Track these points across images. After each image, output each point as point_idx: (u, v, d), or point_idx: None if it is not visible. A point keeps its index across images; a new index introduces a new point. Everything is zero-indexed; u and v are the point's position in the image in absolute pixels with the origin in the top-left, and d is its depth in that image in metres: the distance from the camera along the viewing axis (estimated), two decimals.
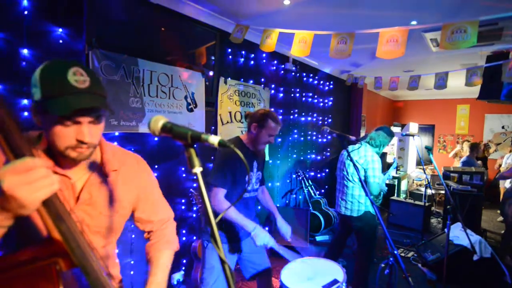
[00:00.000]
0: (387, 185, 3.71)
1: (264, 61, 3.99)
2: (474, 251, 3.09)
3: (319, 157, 5.48)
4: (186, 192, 2.93)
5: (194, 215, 2.98)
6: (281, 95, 4.38)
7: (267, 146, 1.96)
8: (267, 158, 4.12)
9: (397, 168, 6.57)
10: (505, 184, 5.76)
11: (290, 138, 4.66)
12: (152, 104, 2.61)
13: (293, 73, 4.53)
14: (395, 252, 1.55)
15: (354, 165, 1.73)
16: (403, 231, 4.83)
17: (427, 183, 4.34)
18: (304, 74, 4.88)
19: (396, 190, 6.18)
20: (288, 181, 4.71)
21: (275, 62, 4.19)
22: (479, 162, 5.61)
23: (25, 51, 1.85)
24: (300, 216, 3.93)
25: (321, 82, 5.42)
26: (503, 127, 7.78)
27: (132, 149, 1.64)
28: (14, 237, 0.82)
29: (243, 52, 3.64)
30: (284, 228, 2.00)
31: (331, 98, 5.75)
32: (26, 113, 1.85)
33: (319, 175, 5.49)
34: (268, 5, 2.93)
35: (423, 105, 9.17)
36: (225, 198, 1.76)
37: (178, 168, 2.88)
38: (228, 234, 1.89)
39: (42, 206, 0.59)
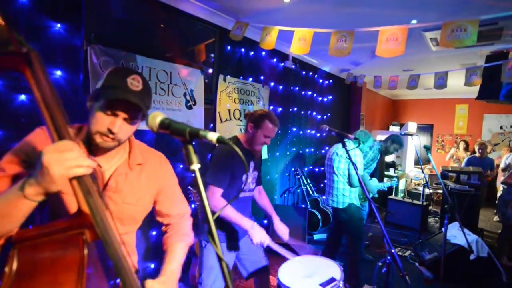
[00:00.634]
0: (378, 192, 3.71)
1: (264, 59, 3.98)
2: (471, 250, 3.11)
3: (317, 153, 5.49)
4: (185, 190, 2.93)
5: (193, 211, 2.98)
6: (280, 93, 4.37)
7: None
8: (265, 156, 4.12)
9: (395, 168, 6.59)
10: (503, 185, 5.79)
11: (289, 136, 4.66)
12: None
13: (292, 71, 4.52)
14: (393, 250, 1.56)
15: (352, 162, 1.73)
16: (400, 230, 4.85)
17: (425, 182, 4.34)
18: (304, 72, 4.87)
19: (394, 189, 6.20)
20: (287, 174, 4.71)
21: (275, 60, 4.18)
22: None
23: None
24: (298, 215, 3.93)
25: (321, 80, 5.42)
26: (501, 127, 7.79)
27: None
28: (47, 214, 0.92)
29: (243, 49, 3.62)
30: (282, 229, 2.00)
31: (330, 97, 5.74)
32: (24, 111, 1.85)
33: (317, 170, 5.50)
34: (268, 3, 2.91)
35: (422, 105, 9.18)
36: (222, 197, 1.75)
37: (176, 165, 2.88)
38: (226, 233, 1.89)
39: (76, 182, 0.69)
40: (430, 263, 3.37)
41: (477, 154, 5.34)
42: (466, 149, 6.69)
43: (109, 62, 2.26)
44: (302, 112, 4.95)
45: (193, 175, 0.65)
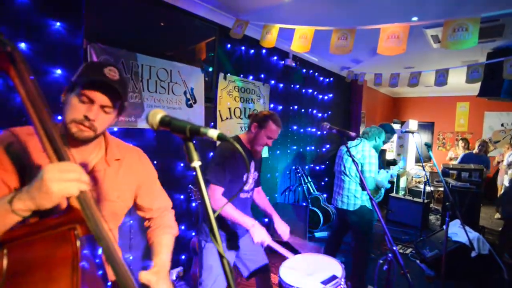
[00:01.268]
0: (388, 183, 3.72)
1: (264, 57, 3.97)
2: (473, 247, 3.10)
3: (318, 151, 5.49)
4: (185, 188, 2.92)
5: (193, 210, 2.98)
6: (281, 90, 4.36)
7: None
8: (266, 154, 4.12)
9: (402, 168, 6.58)
10: (504, 182, 5.78)
11: (289, 134, 4.65)
12: (151, 99, 2.60)
13: (293, 69, 4.51)
14: (394, 248, 1.55)
15: (353, 160, 1.73)
16: (401, 228, 4.85)
17: (426, 180, 4.34)
18: (304, 70, 4.86)
19: (395, 187, 6.19)
20: (287, 172, 4.71)
21: (275, 58, 4.17)
22: None
23: (22, 45, 1.83)
24: (299, 213, 3.93)
25: (321, 78, 5.40)
26: (502, 125, 7.77)
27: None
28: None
29: (243, 47, 3.61)
30: (282, 227, 2.00)
31: (331, 95, 5.73)
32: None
33: (317, 168, 5.50)
34: (268, 0, 2.90)
35: (423, 102, 9.15)
36: (223, 196, 1.74)
37: (177, 164, 2.88)
38: (226, 233, 1.88)
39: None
40: (431, 261, 3.37)
41: (475, 151, 5.34)
42: (465, 147, 6.67)
43: (109, 60, 2.26)
44: (303, 110, 4.94)
45: (194, 173, 0.65)
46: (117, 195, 1.03)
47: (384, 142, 3.56)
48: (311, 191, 4.64)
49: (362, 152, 2.76)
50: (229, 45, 3.40)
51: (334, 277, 1.60)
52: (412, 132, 3.56)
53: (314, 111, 5.26)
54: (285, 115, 4.45)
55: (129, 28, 2.43)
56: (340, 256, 3.62)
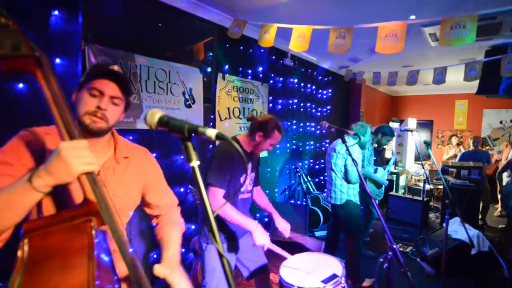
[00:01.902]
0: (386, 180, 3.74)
1: (263, 56, 3.97)
2: (472, 245, 3.11)
3: (317, 150, 5.49)
4: (186, 189, 2.93)
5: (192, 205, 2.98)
6: (280, 90, 4.36)
7: None
8: (265, 154, 4.12)
9: (396, 164, 6.58)
10: (504, 179, 5.78)
11: (289, 133, 4.65)
12: (150, 100, 2.59)
13: (291, 69, 4.51)
14: (394, 246, 1.56)
15: (353, 159, 1.73)
16: (401, 226, 4.85)
17: (425, 178, 4.34)
18: (303, 70, 4.86)
19: (394, 185, 6.20)
20: (287, 172, 4.71)
21: (274, 57, 4.17)
22: None
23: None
24: (299, 212, 3.93)
25: (319, 77, 5.41)
26: (501, 122, 7.79)
27: None
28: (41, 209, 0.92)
29: (241, 47, 3.61)
30: (283, 225, 2.00)
31: (330, 94, 5.73)
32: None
33: (317, 166, 5.51)
34: (266, 0, 2.90)
35: (422, 101, 9.17)
36: (224, 198, 1.73)
37: (176, 166, 2.88)
38: (226, 234, 1.88)
39: (84, 173, 0.75)
40: (431, 259, 3.38)
41: (471, 148, 5.35)
42: (459, 144, 6.74)
43: (107, 61, 2.25)
44: (302, 109, 4.94)
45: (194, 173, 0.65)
46: (125, 192, 1.08)
47: (383, 144, 3.59)
48: (311, 190, 4.64)
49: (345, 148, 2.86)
50: (227, 45, 3.40)
51: (334, 276, 1.60)
52: (411, 131, 3.56)
53: (313, 110, 5.27)
54: (283, 114, 4.45)
55: (127, 29, 2.43)
56: (340, 255, 3.63)
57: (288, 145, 4.69)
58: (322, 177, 5.62)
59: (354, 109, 6.65)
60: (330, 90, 5.74)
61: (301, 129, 4.96)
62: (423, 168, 3.55)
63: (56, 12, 2.00)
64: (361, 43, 3.83)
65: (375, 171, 3.50)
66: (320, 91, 5.46)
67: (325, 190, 5.13)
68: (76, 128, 0.76)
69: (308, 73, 5.05)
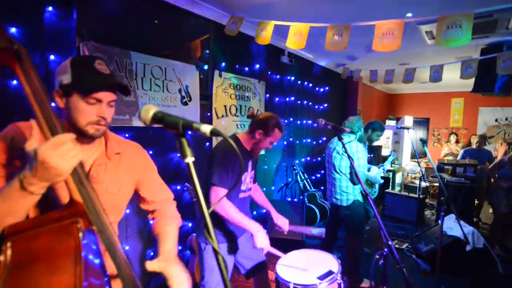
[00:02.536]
0: (382, 178, 3.76)
1: (260, 54, 3.96)
2: (467, 241, 3.14)
3: (314, 143, 5.50)
4: (182, 187, 2.92)
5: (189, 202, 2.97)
6: (276, 88, 4.36)
7: None
8: (262, 151, 4.12)
9: (393, 161, 6.62)
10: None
11: (285, 130, 4.66)
12: (146, 97, 2.58)
13: (288, 66, 4.51)
14: (390, 243, 1.56)
15: (349, 156, 1.73)
16: (397, 223, 4.88)
17: (421, 175, 4.37)
18: (300, 68, 4.86)
19: (390, 183, 6.23)
20: (284, 170, 4.72)
21: (271, 55, 4.16)
22: None
23: (13, 30, 1.80)
24: (296, 209, 3.94)
25: (316, 76, 5.41)
26: (496, 120, 7.85)
27: None
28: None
29: (238, 45, 3.60)
30: (281, 220, 2.00)
31: (327, 92, 5.74)
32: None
33: (314, 161, 5.52)
34: None
35: (418, 99, 9.22)
36: (226, 198, 1.72)
37: (172, 164, 2.87)
38: (225, 233, 1.88)
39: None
40: (427, 255, 3.40)
41: (474, 146, 5.38)
42: (457, 141, 6.81)
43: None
44: (299, 107, 4.94)
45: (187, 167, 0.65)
46: (118, 188, 1.06)
47: (374, 140, 3.57)
48: (308, 187, 4.66)
49: (349, 148, 2.81)
50: (224, 43, 3.39)
51: (330, 273, 1.61)
52: (408, 128, 3.57)
53: (310, 108, 5.27)
54: (280, 110, 4.45)
55: (122, 26, 2.40)
56: (336, 251, 3.65)
57: (285, 142, 4.70)
58: (319, 175, 5.64)
59: (351, 107, 6.67)
60: (327, 88, 5.74)
61: (298, 126, 4.97)
62: (419, 165, 3.57)
63: (50, 8, 1.97)
64: (358, 41, 3.83)
65: (368, 170, 3.50)
66: (317, 88, 5.46)
67: (322, 187, 5.17)
68: (59, 123, 0.74)
69: (305, 70, 5.05)
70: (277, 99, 4.41)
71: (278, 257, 1.80)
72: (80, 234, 0.70)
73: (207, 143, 3.29)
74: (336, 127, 1.81)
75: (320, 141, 5.70)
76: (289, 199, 4.79)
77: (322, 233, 2.08)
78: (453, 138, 6.99)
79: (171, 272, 1.00)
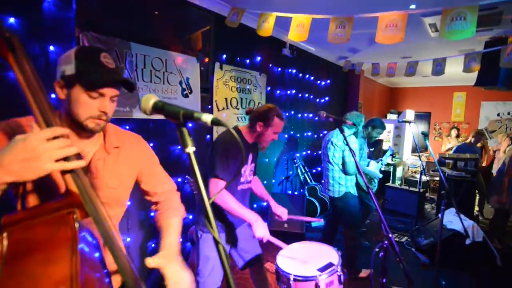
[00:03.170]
0: (382, 171, 3.76)
1: (261, 46, 3.92)
2: (467, 235, 3.15)
3: (315, 136, 5.49)
4: (183, 179, 2.92)
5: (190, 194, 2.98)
6: (277, 82, 4.33)
7: None
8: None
9: (393, 155, 6.61)
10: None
11: (287, 123, 4.64)
12: (146, 89, 2.56)
13: (290, 59, 4.47)
14: (390, 235, 1.57)
15: (350, 149, 1.72)
16: (397, 217, 4.90)
17: (422, 169, 4.37)
18: (301, 61, 4.82)
19: (391, 176, 6.24)
20: (285, 162, 4.72)
21: (272, 47, 4.12)
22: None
23: (11, 20, 1.78)
24: (296, 203, 3.95)
25: (318, 68, 5.37)
26: (498, 115, 7.81)
27: None
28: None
29: (239, 37, 3.56)
30: (280, 209, 2.01)
31: (328, 86, 5.70)
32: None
33: (315, 154, 5.52)
34: None
35: (420, 93, 9.16)
36: (226, 190, 1.72)
37: (173, 157, 2.87)
38: (223, 223, 1.89)
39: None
40: (426, 248, 3.42)
41: (468, 141, 5.37)
42: (458, 136, 6.79)
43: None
44: (300, 99, 4.92)
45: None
46: (118, 182, 1.04)
47: (374, 137, 3.55)
48: (308, 181, 4.66)
49: (340, 140, 2.86)
50: (225, 34, 3.35)
51: (330, 265, 1.61)
52: (409, 122, 3.56)
53: (311, 100, 5.25)
54: (281, 103, 4.43)
55: (123, 17, 2.38)
56: (337, 246, 3.66)
57: (286, 135, 4.69)
58: (319, 168, 5.64)
59: (352, 100, 6.63)
60: (328, 81, 5.70)
61: (299, 119, 4.95)
62: (420, 159, 3.56)
63: None
64: (361, 34, 3.79)
65: (367, 165, 3.50)
66: (318, 81, 5.43)
67: (322, 181, 5.17)
68: (55, 116, 0.72)
69: (307, 63, 5.01)
70: (278, 91, 4.39)
71: (278, 249, 1.80)
72: (77, 225, 0.69)
73: (208, 136, 3.28)
74: (337, 119, 1.80)
75: (321, 135, 5.68)
76: (289, 192, 4.81)
77: (321, 220, 2.14)
78: (453, 132, 6.98)
79: (169, 271, 0.98)
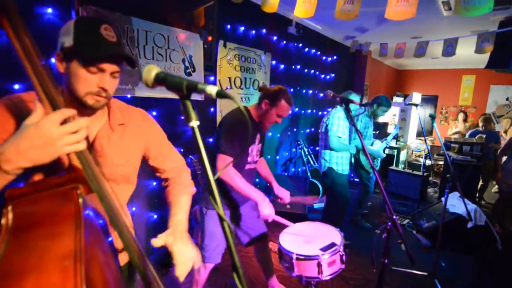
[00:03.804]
0: (386, 155, 3.73)
1: (266, 23, 3.80)
2: (470, 218, 3.15)
3: (319, 113, 5.46)
4: (187, 159, 2.91)
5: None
6: (282, 66, 4.23)
7: None
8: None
9: (397, 138, 6.55)
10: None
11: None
12: None
13: (295, 38, 4.34)
14: (394, 217, 1.56)
15: (357, 130, 1.68)
16: (400, 200, 4.91)
17: (427, 153, 4.33)
18: (307, 40, 4.68)
19: (395, 160, 6.21)
20: (288, 144, 4.71)
21: (277, 25, 3.99)
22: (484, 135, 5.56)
23: None
24: (299, 185, 3.96)
25: (324, 48, 5.22)
26: (507, 99, 7.64)
27: None
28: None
29: (244, 13, 3.44)
30: (282, 191, 2.01)
31: (334, 67, 5.58)
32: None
33: (318, 132, 5.52)
34: None
35: (428, 75, 8.95)
36: (232, 167, 1.72)
37: (176, 135, 2.85)
38: (228, 201, 1.89)
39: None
40: (428, 231, 3.44)
41: (480, 128, 5.28)
42: (465, 120, 6.69)
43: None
44: (305, 77, 4.83)
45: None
46: (126, 159, 1.02)
47: (379, 115, 3.47)
48: (311, 163, 4.65)
49: (332, 114, 2.99)
50: (229, 11, 3.23)
51: (333, 244, 1.62)
52: (416, 105, 3.48)
53: (316, 79, 5.15)
54: (286, 75, 4.37)
55: None
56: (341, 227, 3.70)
57: (289, 111, 4.65)
58: None
59: (358, 82, 6.50)
60: (334, 61, 5.57)
61: (303, 95, 4.89)
62: (426, 143, 3.51)
63: None
64: (369, 11, 3.64)
65: (372, 144, 3.49)
66: (324, 62, 5.30)
67: None
68: (59, 94, 0.68)
69: (313, 42, 4.87)
70: (282, 66, 4.28)
71: (281, 227, 1.81)
72: (81, 200, 0.68)
73: (212, 108, 3.24)
74: (344, 99, 1.75)
75: (326, 112, 5.63)
76: (293, 171, 4.82)
77: (323, 201, 2.15)
78: (461, 116, 6.86)
79: (176, 249, 0.98)
